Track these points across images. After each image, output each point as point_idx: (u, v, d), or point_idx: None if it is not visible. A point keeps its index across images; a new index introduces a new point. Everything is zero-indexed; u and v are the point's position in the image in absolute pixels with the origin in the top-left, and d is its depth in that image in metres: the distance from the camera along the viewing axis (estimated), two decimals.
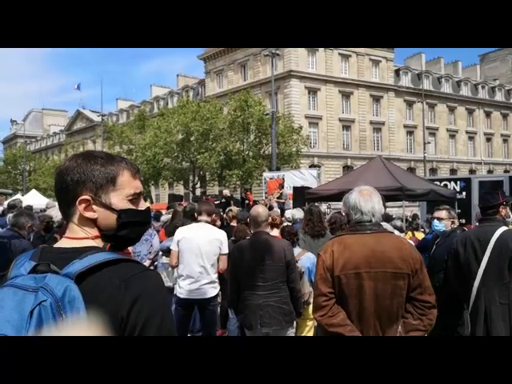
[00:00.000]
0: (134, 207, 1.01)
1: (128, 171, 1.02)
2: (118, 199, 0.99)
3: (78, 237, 0.98)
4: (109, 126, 35.80)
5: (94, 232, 0.98)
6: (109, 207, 0.98)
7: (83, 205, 0.96)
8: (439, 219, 3.96)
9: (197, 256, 3.75)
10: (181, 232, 3.90)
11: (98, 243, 0.98)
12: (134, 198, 1.02)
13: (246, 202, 12.95)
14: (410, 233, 7.13)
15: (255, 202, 12.97)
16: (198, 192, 31.72)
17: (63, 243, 0.98)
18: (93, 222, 0.98)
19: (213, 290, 3.86)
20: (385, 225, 2.83)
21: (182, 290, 3.80)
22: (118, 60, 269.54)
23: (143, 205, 1.05)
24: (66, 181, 0.97)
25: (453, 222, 3.99)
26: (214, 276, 3.87)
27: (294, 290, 3.28)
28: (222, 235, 3.91)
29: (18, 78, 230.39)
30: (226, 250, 3.84)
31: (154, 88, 52.09)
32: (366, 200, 2.12)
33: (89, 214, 0.97)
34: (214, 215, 4.11)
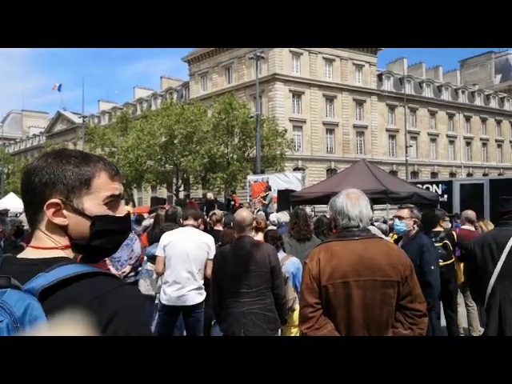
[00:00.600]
0: (111, 213, 0.89)
1: (105, 172, 0.90)
2: (93, 204, 0.87)
3: (44, 246, 0.86)
4: (90, 127, 35.19)
5: (64, 241, 0.87)
6: (81, 213, 0.86)
7: (52, 209, 0.85)
8: (400, 218, 3.80)
9: (184, 261, 3.67)
10: (167, 237, 3.81)
11: (68, 254, 0.87)
12: (112, 202, 0.90)
13: (232, 203, 12.88)
14: (395, 235, 7.11)
15: (241, 205, 12.91)
16: (182, 195, 31.45)
17: (28, 253, 0.87)
18: (63, 230, 0.87)
19: (199, 297, 3.78)
20: (372, 229, 2.80)
21: (167, 296, 3.70)
22: (101, 61, 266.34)
23: (123, 210, 0.93)
24: (34, 182, 0.85)
25: (415, 222, 3.80)
26: (201, 282, 3.80)
27: (279, 297, 3.20)
28: (209, 240, 3.85)
29: None
30: (213, 255, 3.77)
31: (137, 90, 51.54)
32: (354, 204, 2.03)
33: (58, 220, 0.85)
34: (200, 219, 4.06)
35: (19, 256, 0.87)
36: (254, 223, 4.43)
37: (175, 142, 27.79)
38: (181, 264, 3.67)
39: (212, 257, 3.73)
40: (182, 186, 31.22)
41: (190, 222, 3.85)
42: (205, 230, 5.94)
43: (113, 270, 5.14)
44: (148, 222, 6.87)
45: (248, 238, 3.26)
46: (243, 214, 3.35)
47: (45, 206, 0.84)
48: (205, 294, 3.89)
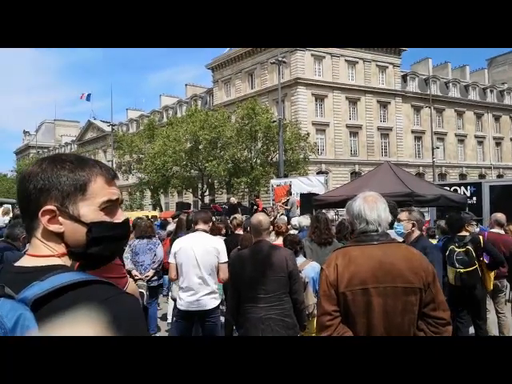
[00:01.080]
0: (108, 218, 0.86)
1: (102, 177, 0.87)
2: (89, 210, 0.84)
3: (41, 254, 0.83)
4: (119, 135, 36.30)
5: (60, 249, 0.84)
6: (77, 219, 0.83)
7: (47, 216, 0.82)
8: (399, 220, 3.72)
9: (194, 267, 3.66)
10: (178, 243, 3.81)
11: (65, 261, 0.84)
12: (109, 207, 0.87)
13: (255, 208, 13.07)
14: None
15: (264, 209, 13.10)
16: (207, 200, 31.92)
17: (24, 261, 0.84)
18: (59, 237, 0.84)
19: (213, 301, 3.74)
20: (391, 232, 2.77)
21: (183, 301, 3.72)
22: (128, 71, 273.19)
23: (121, 215, 0.89)
24: (29, 189, 0.83)
25: (413, 225, 3.69)
26: (215, 286, 3.76)
27: (298, 302, 3.13)
28: (218, 243, 3.81)
29: (31, 90, 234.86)
30: (224, 259, 3.74)
31: (163, 98, 52.77)
32: (372, 208, 1.96)
33: (53, 228, 0.83)
34: (210, 223, 4.00)
35: (16, 264, 0.84)
36: (275, 227, 4.38)
37: (200, 147, 28.31)
38: (191, 270, 3.66)
39: (223, 260, 3.71)
40: (207, 190, 31.71)
41: (201, 226, 3.82)
42: (226, 234, 6.11)
43: (136, 274, 5.35)
44: (172, 226, 7.07)
45: (265, 243, 3.21)
46: (260, 217, 3.31)
47: (40, 213, 0.82)
48: (220, 298, 3.88)
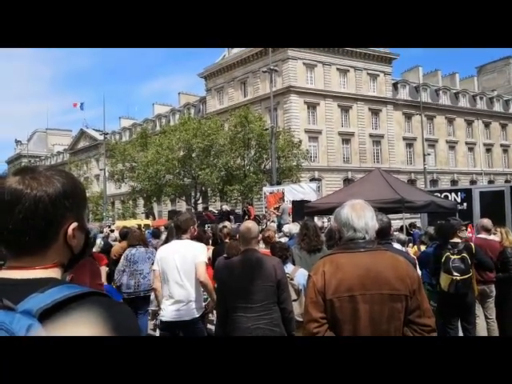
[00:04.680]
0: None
1: None
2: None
3: (26, 266, 0.81)
4: (112, 144, 36.20)
5: (60, 260, 0.85)
6: (86, 229, 0.89)
7: (72, 232, 0.85)
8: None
9: (175, 275, 3.57)
10: (160, 251, 3.72)
11: (56, 273, 0.83)
12: None
13: (246, 217, 13.08)
14: (415, 247, 6.68)
15: (256, 217, 13.10)
16: (200, 208, 31.86)
17: (9, 273, 0.81)
18: (70, 249, 0.86)
19: (195, 311, 3.60)
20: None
21: (165, 312, 3.59)
22: (121, 79, 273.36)
23: None
24: (46, 206, 0.82)
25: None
26: (197, 294, 3.63)
27: (286, 311, 3.08)
28: (196, 246, 3.69)
29: (23, 98, 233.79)
30: (200, 258, 3.61)
31: (156, 106, 52.83)
32: (359, 216, 1.98)
33: (73, 242, 0.86)
34: (192, 228, 3.81)
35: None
36: (262, 237, 4.21)
37: (193, 155, 28.32)
38: (172, 278, 3.57)
39: (199, 260, 3.57)
40: (201, 198, 31.66)
41: (183, 233, 3.69)
42: (215, 243, 6.02)
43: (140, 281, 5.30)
44: (165, 235, 7.07)
45: (254, 251, 3.16)
46: (248, 225, 3.27)
47: (70, 230, 0.84)
48: (203, 308, 3.78)
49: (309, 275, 2.04)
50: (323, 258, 2.10)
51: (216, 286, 3.46)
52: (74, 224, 0.84)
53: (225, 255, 4.70)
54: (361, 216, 1.99)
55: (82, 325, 0.71)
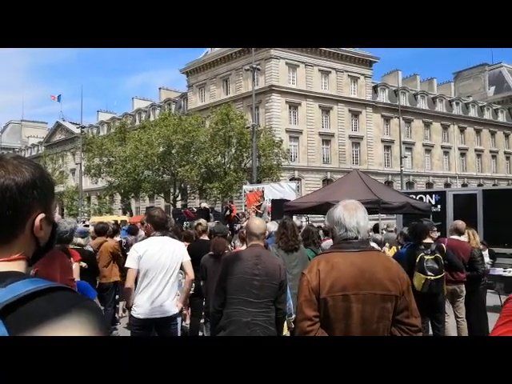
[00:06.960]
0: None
1: None
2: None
3: None
4: (89, 138, 35.43)
5: (24, 253, 0.81)
6: (53, 222, 0.86)
7: (39, 224, 0.82)
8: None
9: (162, 271, 3.56)
10: (141, 247, 3.63)
11: (19, 266, 0.79)
12: None
13: (227, 213, 13.05)
14: (393, 247, 6.70)
15: (237, 215, 13.09)
16: (179, 205, 31.58)
17: None
18: (35, 241, 0.83)
19: (175, 308, 3.66)
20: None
21: (141, 309, 3.52)
22: (100, 72, 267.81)
23: None
24: (14, 196, 0.78)
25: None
26: (175, 291, 3.70)
27: (280, 312, 3.12)
28: (180, 244, 3.79)
29: None
30: (188, 257, 3.73)
31: (136, 100, 51.95)
32: (351, 215, 2.01)
33: (41, 233, 0.83)
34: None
35: None
36: (241, 234, 4.30)
37: (173, 152, 28.05)
38: (159, 274, 3.55)
39: (187, 259, 3.66)
40: (180, 195, 31.40)
41: (157, 230, 3.69)
42: (193, 241, 5.95)
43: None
44: (142, 232, 6.92)
45: (261, 248, 3.17)
46: (256, 222, 3.28)
47: (37, 221, 0.81)
48: (181, 305, 3.80)
49: (302, 273, 2.05)
50: (318, 257, 2.11)
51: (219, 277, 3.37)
52: (42, 215, 0.81)
53: (211, 252, 4.68)
54: (352, 216, 2.01)
55: (45, 321, 0.68)
